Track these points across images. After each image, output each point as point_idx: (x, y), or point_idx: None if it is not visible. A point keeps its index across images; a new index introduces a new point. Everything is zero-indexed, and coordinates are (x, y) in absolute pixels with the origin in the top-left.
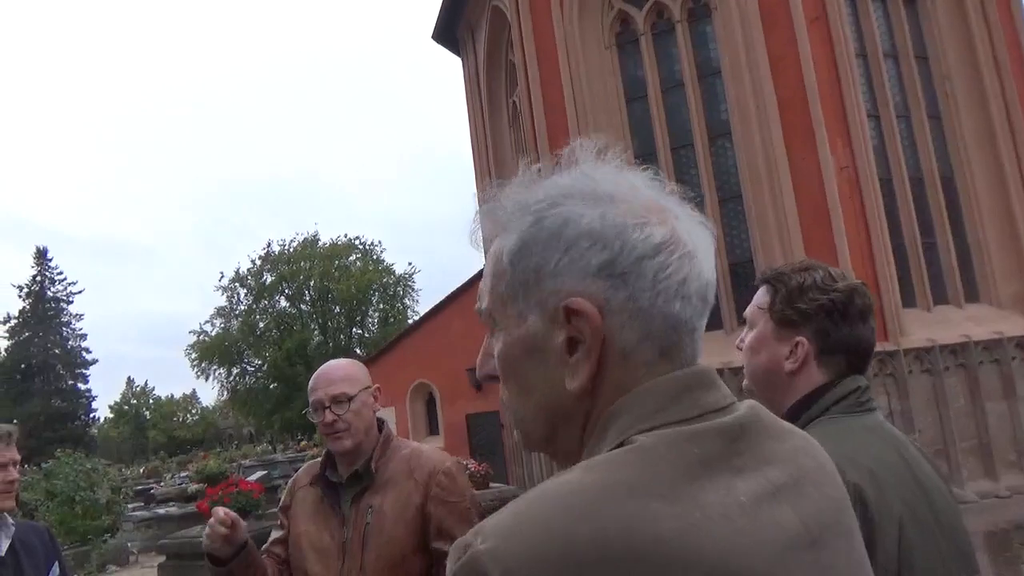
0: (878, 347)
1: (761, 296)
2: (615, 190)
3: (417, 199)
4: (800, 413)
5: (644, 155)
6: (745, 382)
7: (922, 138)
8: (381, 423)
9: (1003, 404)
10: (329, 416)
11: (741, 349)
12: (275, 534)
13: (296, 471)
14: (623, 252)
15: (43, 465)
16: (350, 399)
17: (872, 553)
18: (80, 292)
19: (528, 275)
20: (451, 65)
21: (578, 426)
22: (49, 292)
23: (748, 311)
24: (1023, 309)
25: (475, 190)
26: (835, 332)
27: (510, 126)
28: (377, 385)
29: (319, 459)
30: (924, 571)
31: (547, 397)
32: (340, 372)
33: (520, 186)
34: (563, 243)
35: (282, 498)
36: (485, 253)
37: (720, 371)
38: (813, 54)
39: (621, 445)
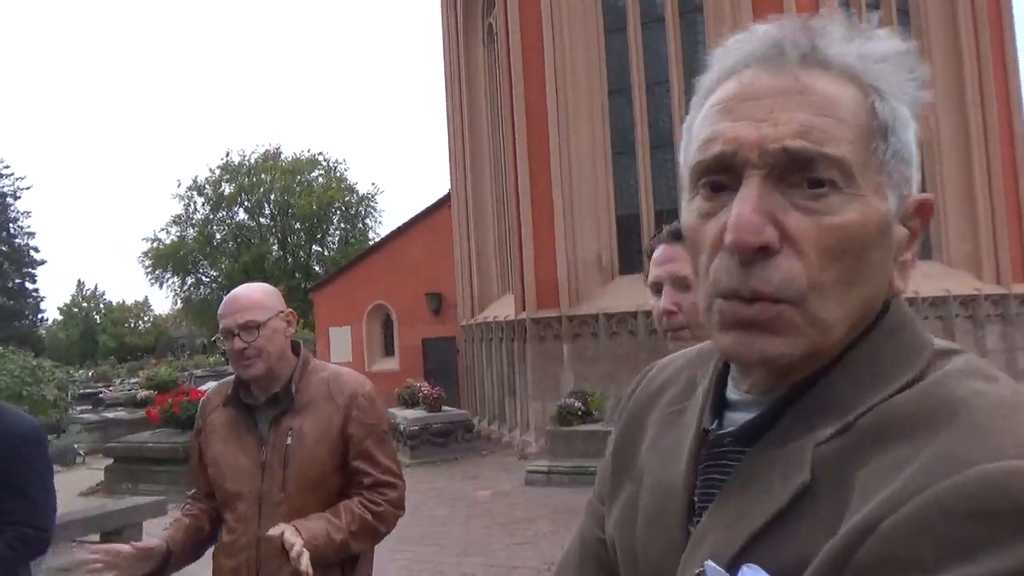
0: None
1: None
2: None
3: (385, 120)
4: None
5: (618, 89)
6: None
7: None
8: (297, 346)
9: None
10: (239, 343)
11: (675, 312)
12: (192, 470)
13: None
14: None
15: None
16: (259, 326)
17: None
18: (28, 188)
19: (902, 151)
20: None
21: (857, 333)
22: None
23: (691, 271)
24: (973, 269)
25: (445, 108)
26: None
27: (484, 46)
28: (290, 310)
29: (228, 380)
30: None
31: (874, 291)
32: (250, 299)
33: (900, 53)
34: (916, 138)
35: (196, 422)
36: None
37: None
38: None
39: (948, 353)
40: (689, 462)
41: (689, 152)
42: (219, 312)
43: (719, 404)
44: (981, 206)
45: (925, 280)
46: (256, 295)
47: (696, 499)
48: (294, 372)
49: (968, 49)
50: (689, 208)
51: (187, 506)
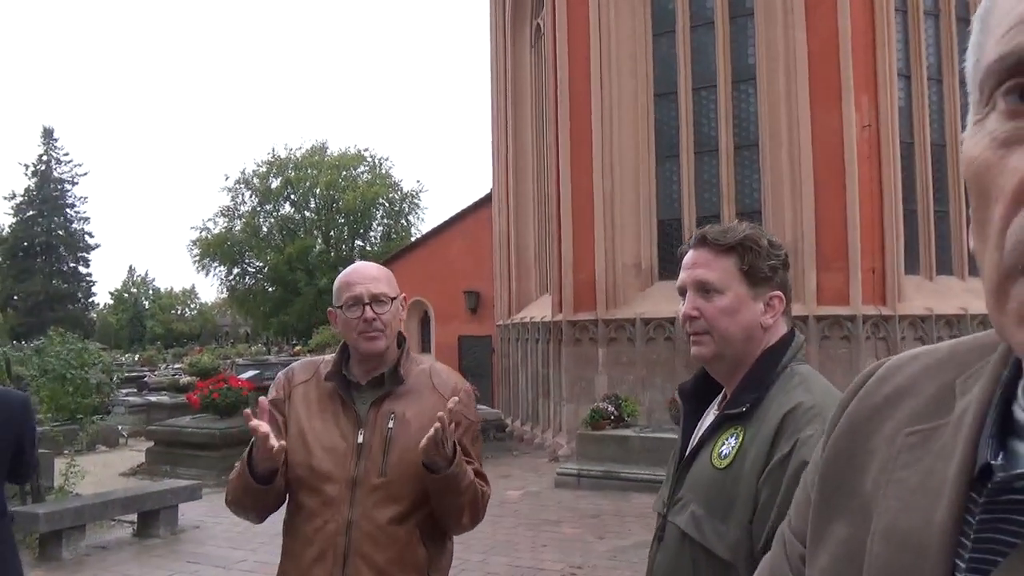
0: (874, 310)
1: (722, 260)
2: None
3: (432, 119)
4: (775, 360)
5: (664, 92)
6: (698, 348)
7: (951, 103)
8: (400, 335)
9: None
10: (370, 313)
11: (697, 316)
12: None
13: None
14: None
15: (35, 342)
16: (391, 300)
17: None
18: (85, 174)
19: None
20: None
21: None
22: (55, 172)
23: (714, 276)
24: None
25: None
26: (788, 283)
27: (531, 46)
28: (404, 294)
29: (318, 357)
30: None
31: None
32: (381, 273)
33: None
34: None
35: (272, 391)
36: None
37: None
38: (851, 3)
39: None
40: (951, 509)
41: (985, 48)
42: (346, 280)
43: (1005, 429)
44: None
45: (974, 298)
46: (384, 273)
47: (964, 564)
48: (400, 357)
49: None
50: (979, 133)
51: None
